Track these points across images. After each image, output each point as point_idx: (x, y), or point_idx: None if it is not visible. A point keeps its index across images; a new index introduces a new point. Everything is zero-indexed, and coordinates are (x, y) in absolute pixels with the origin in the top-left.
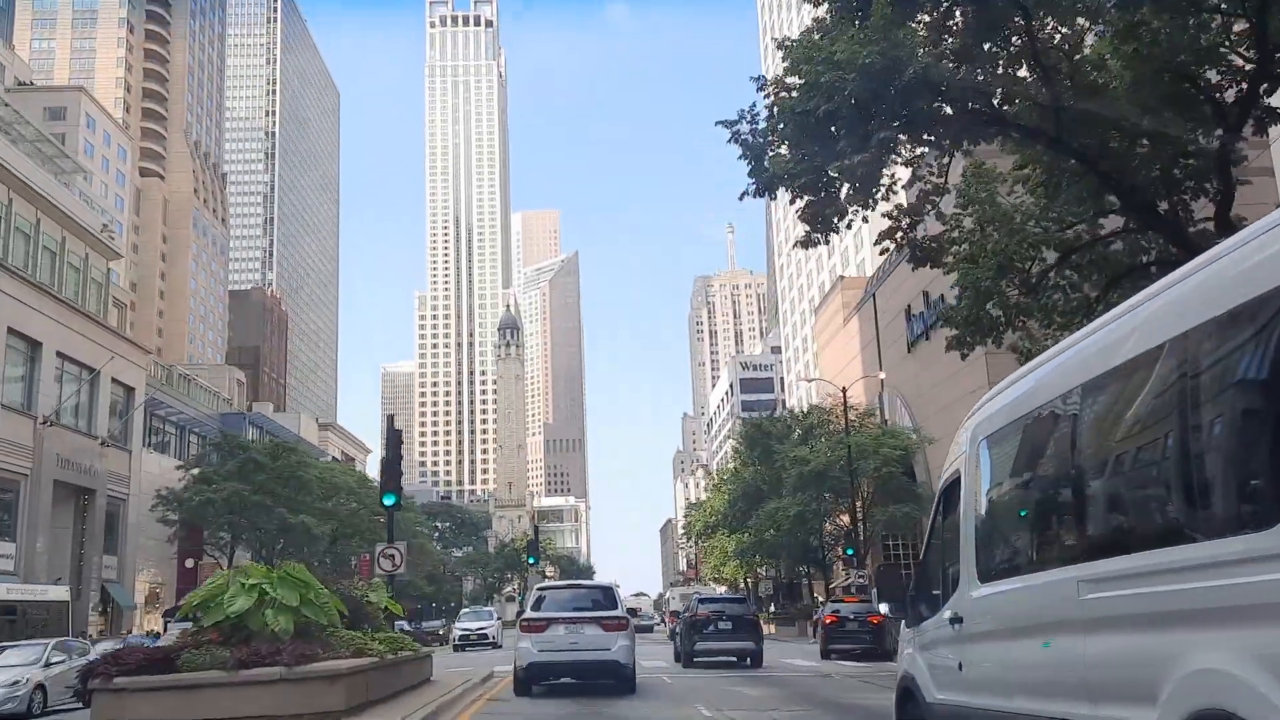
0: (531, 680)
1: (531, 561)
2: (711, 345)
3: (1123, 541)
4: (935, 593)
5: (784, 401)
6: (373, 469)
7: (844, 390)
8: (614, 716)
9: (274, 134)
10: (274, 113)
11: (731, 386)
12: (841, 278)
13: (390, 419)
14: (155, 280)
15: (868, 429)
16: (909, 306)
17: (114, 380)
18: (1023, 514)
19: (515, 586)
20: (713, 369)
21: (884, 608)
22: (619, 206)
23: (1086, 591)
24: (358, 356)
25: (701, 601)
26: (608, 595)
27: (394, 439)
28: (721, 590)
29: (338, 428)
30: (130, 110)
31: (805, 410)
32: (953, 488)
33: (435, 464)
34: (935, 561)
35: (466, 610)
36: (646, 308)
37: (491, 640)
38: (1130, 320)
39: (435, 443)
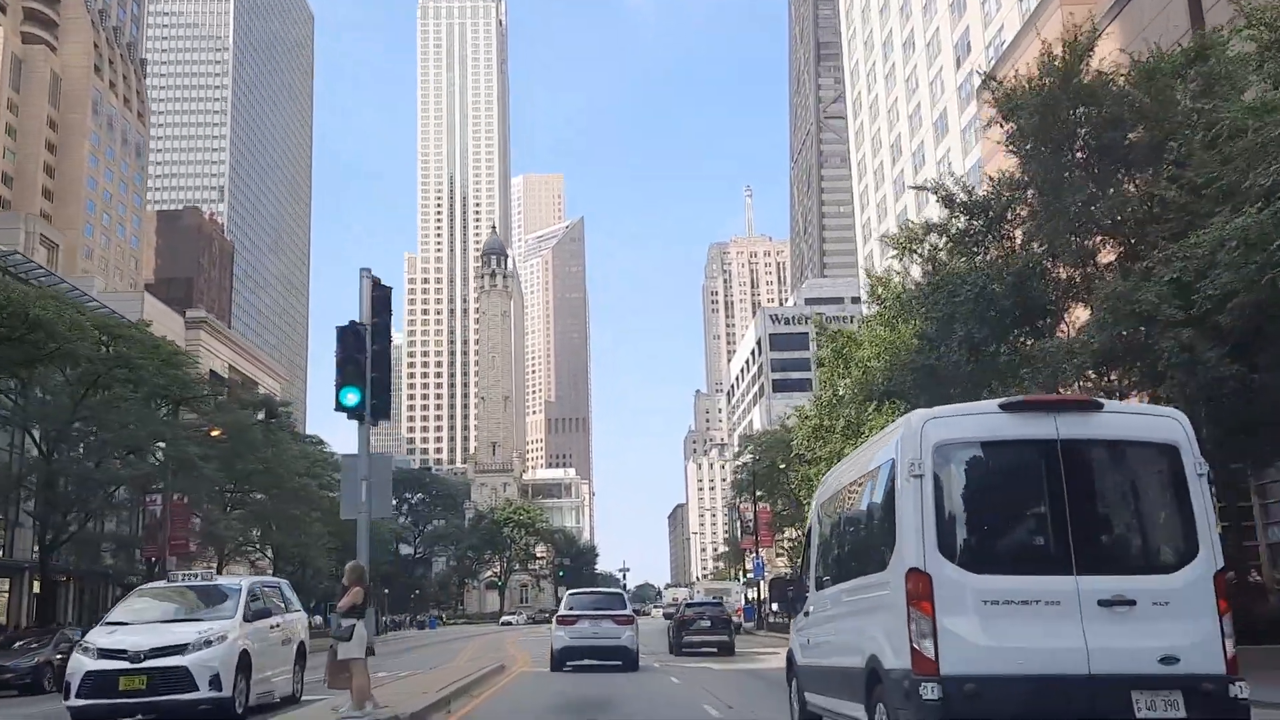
0: (564, 659)
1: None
2: (728, 317)
3: (850, 571)
4: (805, 597)
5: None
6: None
7: None
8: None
9: (229, 41)
10: (227, 13)
11: (759, 344)
12: None
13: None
14: (38, 172)
15: None
16: None
17: None
18: (826, 552)
19: (497, 570)
20: (728, 343)
21: (775, 606)
22: (628, 172)
23: (843, 596)
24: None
25: (688, 606)
26: (619, 598)
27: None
28: None
29: (215, 326)
30: None
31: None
32: (810, 532)
33: (425, 440)
34: (804, 577)
35: (134, 599)
36: (657, 279)
37: (204, 696)
38: (850, 462)
39: (425, 417)
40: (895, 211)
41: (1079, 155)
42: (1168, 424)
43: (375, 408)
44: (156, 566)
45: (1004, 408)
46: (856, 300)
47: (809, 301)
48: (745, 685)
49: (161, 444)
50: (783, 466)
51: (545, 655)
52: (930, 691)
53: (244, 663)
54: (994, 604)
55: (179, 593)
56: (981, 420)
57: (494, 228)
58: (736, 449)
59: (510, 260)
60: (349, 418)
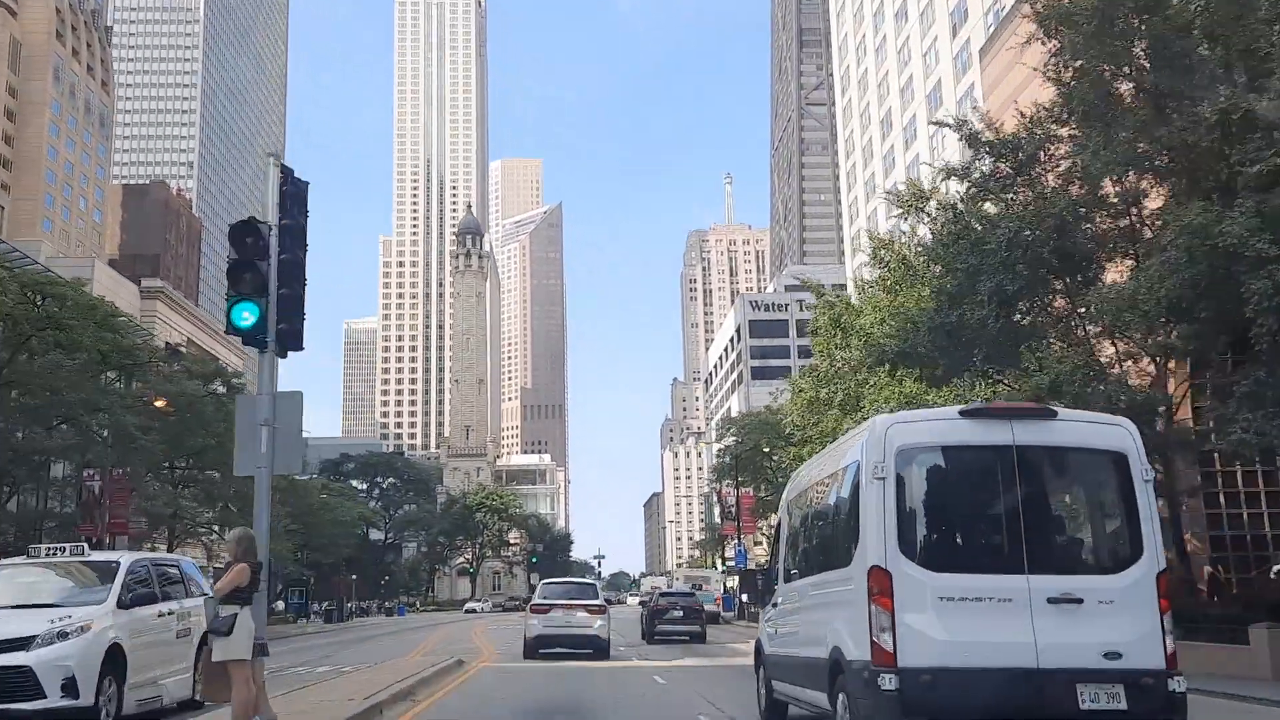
0: (538, 646)
1: None
2: (705, 306)
3: (817, 566)
4: (773, 589)
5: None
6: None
7: None
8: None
9: (199, 13)
10: None
11: (739, 330)
12: None
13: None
14: None
15: None
16: None
17: None
18: (795, 546)
19: (469, 557)
20: (706, 331)
21: (745, 597)
22: (607, 159)
23: (810, 589)
24: (318, 311)
25: (662, 595)
26: (591, 589)
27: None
28: None
29: (172, 297)
30: None
31: None
32: (778, 528)
33: (399, 425)
34: (773, 570)
35: None
36: (635, 266)
37: (54, 705)
38: (817, 461)
39: (399, 402)
40: (884, 188)
41: (1139, 72)
42: (1118, 432)
43: (282, 333)
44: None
45: (964, 414)
46: (840, 287)
47: (789, 288)
48: (739, 686)
49: (100, 413)
50: (767, 450)
51: (513, 647)
52: (888, 682)
53: (115, 660)
54: (950, 600)
55: (45, 570)
56: (942, 425)
57: (469, 206)
58: (718, 431)
59: (486, 241)
60: (245, 343)
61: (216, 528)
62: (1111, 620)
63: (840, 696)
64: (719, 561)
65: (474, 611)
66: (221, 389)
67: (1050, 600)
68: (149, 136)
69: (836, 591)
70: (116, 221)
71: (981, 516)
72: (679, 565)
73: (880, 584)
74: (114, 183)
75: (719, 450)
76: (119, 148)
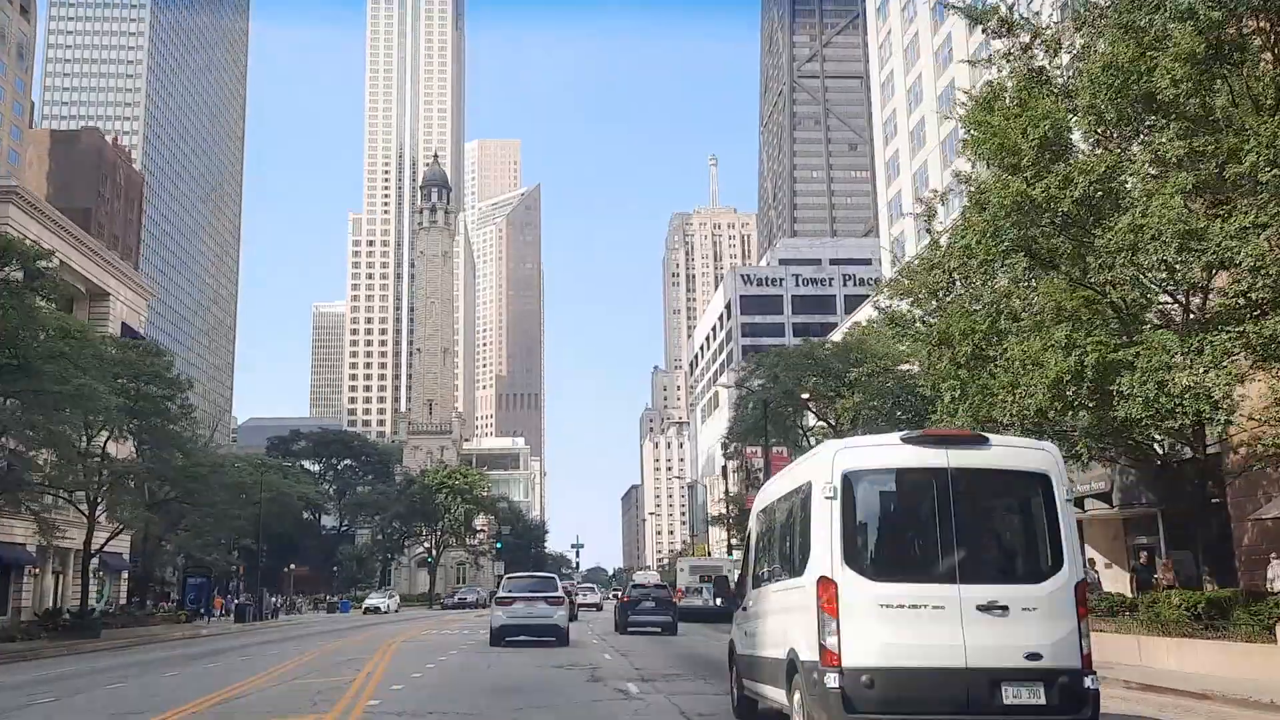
0: (502, 635)
1: None
2: (689, 291)
3: (781, 573)
4: (745, 593)
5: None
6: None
7: None
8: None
9: None
10: None
11: (729, 307)
12: None
13: None
14: None
15: None
16: None
17: None
18: (763, 554)
19: (428, 546)
20: (689, 317)
21: (718, 601)
22: (588, 140)
23: (773, 595)
24: (287, 293)
25: (634, 588)
26: (551, 582)
27: None
28: None
29: (31, 201)
30: None
31: None
32: (748, 537)
33: (368, 411)
34: (745, 575)
35: None
36: (616, 251)
37: None
38: (779, 479)
39: (368, 386)
40: (936, 91)
41: None
42: (1042, 455)
43: None
44: None
45: (905, 440)
46: (835, 262)
47: (783, 262)
48: None
49: None
50: (806, 397)
51: (416, 688)
52: (832, 680)
53: None
54: (889, 607)
55: None
56: (886, 451)
57: (435, 156)
58: (739, 371)
59: (458, 208)
60: None
61: (67, 495)
62: (1033, 626)
63: (795, 694)
64: (729, 549)
65: (377, 610)
66: (18, 274)
67: (979, 607)
68: (91, 90)
69: (794, 598)
70: (43, 170)
71: (919, 532)
72: (682, 553)
73: (827, 592)
74: (42, 127)
75: (739, 398)
76: (58, 101)
